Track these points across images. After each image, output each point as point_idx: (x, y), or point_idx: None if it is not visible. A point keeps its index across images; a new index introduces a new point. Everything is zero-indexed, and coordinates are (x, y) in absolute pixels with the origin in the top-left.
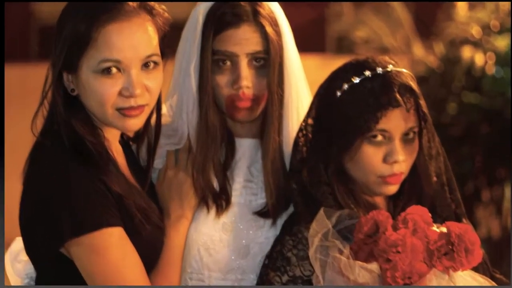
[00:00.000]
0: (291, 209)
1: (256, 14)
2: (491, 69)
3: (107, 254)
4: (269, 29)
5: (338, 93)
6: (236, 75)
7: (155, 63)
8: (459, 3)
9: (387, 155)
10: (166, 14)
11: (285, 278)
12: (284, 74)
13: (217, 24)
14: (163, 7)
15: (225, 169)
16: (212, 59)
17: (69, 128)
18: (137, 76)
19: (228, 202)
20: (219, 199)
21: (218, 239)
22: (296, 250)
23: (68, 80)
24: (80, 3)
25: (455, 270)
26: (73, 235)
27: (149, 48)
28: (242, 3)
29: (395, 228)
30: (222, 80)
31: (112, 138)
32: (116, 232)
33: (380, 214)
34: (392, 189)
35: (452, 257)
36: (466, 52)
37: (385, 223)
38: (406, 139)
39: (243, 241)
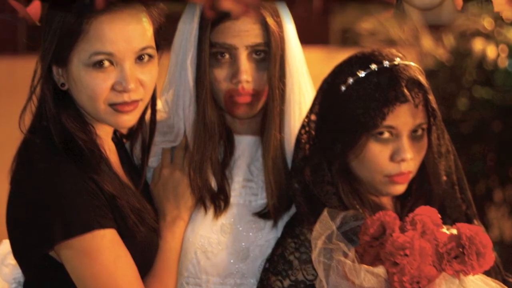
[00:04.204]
0: (293, 210)
1: None
2: (503, 63)
3: (99, 257)
4: (269, 20)
5: (343, 88)
6: (235, 69)
7: (150, 56)
8: None
9: (394, 153)
10: (161, 5)
11: (286, 282)
12: (286, 67)
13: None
14: None
15: (223, 168)
16: (210, 52)
17: (59, 124)
18: (131, 69)
19: (226, 202)
20: (217, 200)
21: (216, 242)
22: (298, 253)
23: (58, 74)
24: None
25: (465, 274)
26: (63, 238)
27: (143, 40)
28: None
29: (402, 230)
30: (221, 74)
31: (104, 135)
32: (109, 234)
33: (386, 215)
34: (400, 188)
35: (463, 261)
36: (478, 44)
37: (392, 224)
38: (414, 136)
39: (243, 243)
